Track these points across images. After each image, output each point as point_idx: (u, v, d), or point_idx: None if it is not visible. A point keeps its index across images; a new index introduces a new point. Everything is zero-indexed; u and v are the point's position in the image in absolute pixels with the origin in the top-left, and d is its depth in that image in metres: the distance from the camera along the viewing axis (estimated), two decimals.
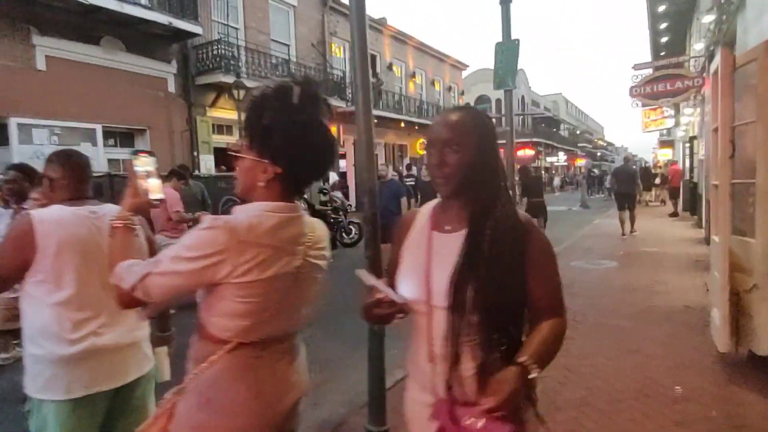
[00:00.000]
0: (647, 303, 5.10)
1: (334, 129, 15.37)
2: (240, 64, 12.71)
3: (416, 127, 20.58)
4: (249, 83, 12.71)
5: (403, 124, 19.60)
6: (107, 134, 10.04)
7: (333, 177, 14.17)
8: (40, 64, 8.65)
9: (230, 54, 11.83)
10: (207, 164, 11.81)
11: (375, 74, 18.54)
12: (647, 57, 16.77)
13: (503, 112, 4.13)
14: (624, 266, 7.15)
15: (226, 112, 12.44)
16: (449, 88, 24.96)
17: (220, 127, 12.62)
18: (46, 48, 8.69)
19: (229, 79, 11.79)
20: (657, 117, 23.64)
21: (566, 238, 10.23)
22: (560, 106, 51.93)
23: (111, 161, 10.12)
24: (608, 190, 23.96)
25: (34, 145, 8.54)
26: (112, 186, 6.86)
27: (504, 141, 3.98)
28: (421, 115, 21.31)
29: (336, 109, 16.41)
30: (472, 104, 39.41)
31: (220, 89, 11.96)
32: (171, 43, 10.91)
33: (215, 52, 11.45)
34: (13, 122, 8.25)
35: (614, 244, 9.23)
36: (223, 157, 12.22)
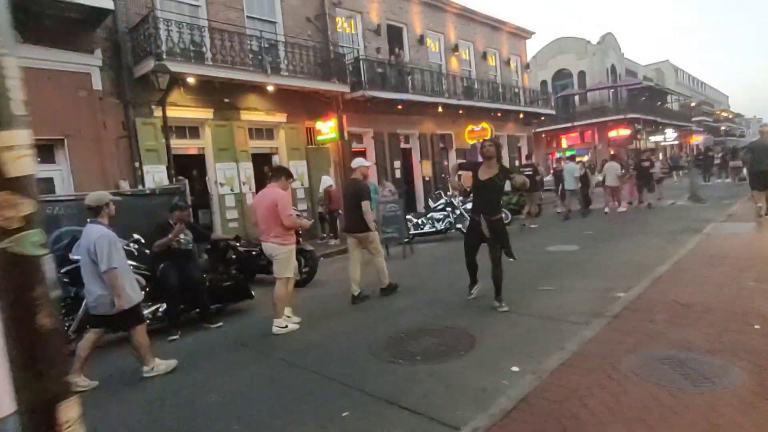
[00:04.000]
0: None
1: (335, 120, 12.26)
2: (204, 48, 10.25)
3: (461, 111, 16.73)
4: (215, 72, 10.21)
5: (440, 108, 15.87)
6: None
7: (327, 182, 11.11)
8: None
9: (171, 35, 9.32)
10: (156, 176, 9.42)
11: (395, 51, 15.09)
12: None
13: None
14: None
15: (183, 110, 10.01)
16: (508, 62, 20.53)
17: (179, 129, 10.20)
18: None
19: (178, 67, 9.32)
20: None
21: (645, 269, 5.89)
22: (666, 75, 43.62)
23: None
24: (736, 173, 17.81)
25: None
26: None
27: None
28: (469, 97, 17.38)
29: (343, 95, 13.38)
30: (549, 80, 33.24)
31: (172, 81, 9.48)
32: (91, 28, 8.65)
33: (149, 33, 8.97)
34: None
35: (742, 286, 4.91)
36: (183, 166, 9.82)
